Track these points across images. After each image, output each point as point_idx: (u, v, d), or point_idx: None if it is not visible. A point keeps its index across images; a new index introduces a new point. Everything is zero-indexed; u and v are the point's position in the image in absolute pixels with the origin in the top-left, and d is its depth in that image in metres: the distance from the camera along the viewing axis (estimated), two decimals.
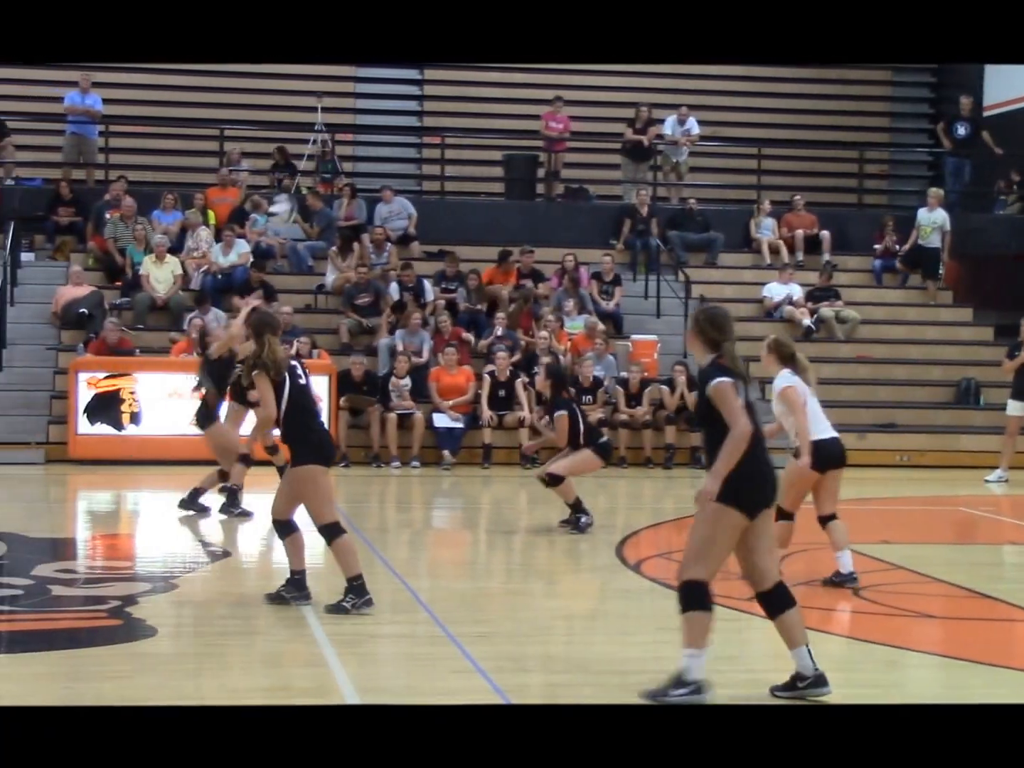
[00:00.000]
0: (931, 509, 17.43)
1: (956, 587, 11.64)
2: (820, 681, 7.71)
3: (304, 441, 9.85)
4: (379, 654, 8.97)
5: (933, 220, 24.70)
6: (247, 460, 14.57)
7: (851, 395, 22.52)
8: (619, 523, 15.72)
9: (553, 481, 13.90)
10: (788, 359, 11.10)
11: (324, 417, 19.43)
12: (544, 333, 21.15)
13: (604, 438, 14.75)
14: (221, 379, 14.16)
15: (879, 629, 10.02)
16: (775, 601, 7.80)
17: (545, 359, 19.80)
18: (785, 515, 11.35)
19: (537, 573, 12.53)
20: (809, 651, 7.78)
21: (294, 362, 10.15)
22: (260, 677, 8.10)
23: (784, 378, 11.02)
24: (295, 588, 10.07)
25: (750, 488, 7.50)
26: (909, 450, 21.57)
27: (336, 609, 9.70)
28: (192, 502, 14.59)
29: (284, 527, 10.10)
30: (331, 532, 9.78)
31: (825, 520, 11.56)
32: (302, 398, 9.98)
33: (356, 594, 9.74)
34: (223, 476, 14.44)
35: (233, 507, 14.50)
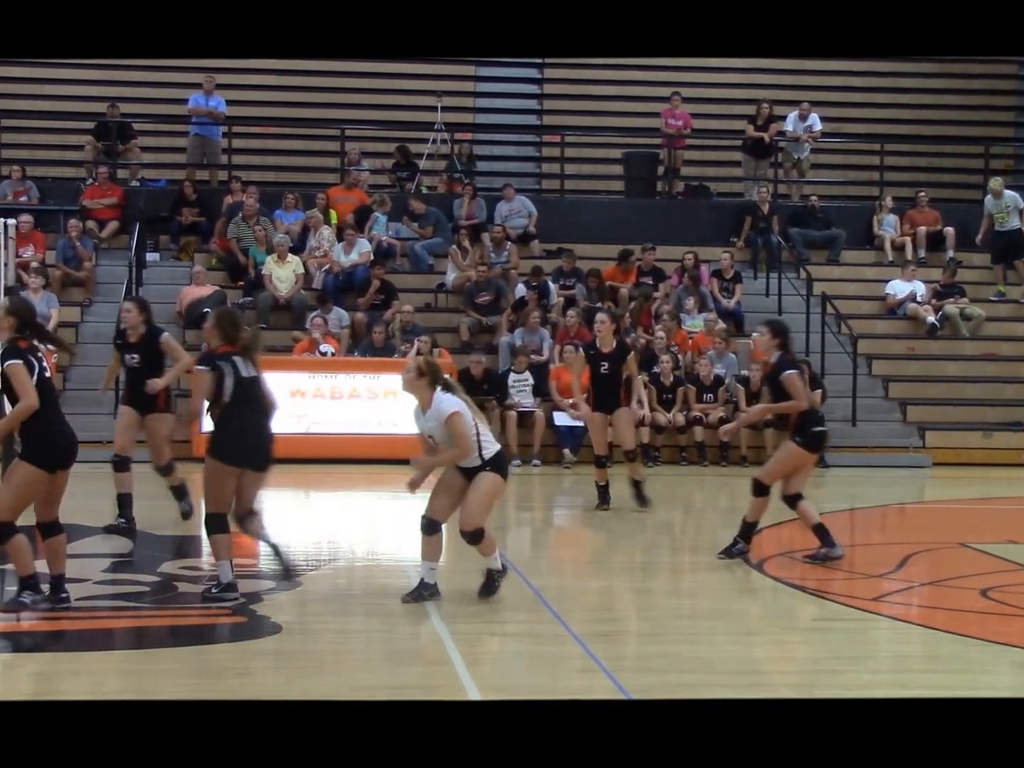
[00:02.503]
0: None
1: None
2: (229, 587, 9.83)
3: (37, 438, 9.41)
4: (502, 652, 8.97)
5: (1004, 204, 24.26)
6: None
7: (977, 393, 22.21)
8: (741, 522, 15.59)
9: (791, 501, 12.01)
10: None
11: None
12: (661, 334, 21.09)
13: (820, 426, 12.09)
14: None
15: (1007, 630, 9.84)
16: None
17: (665, 354, 19.75)
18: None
19: (659, 571, 12.46)
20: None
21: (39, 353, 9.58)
22: (384, 674, 8.13)
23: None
24: (31, 591, 9.64)
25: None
26: None
27: (15, 605, 9.60)
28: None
29: (3, 530, 9.45)
30: (3, 532, 9.42)
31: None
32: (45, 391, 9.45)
33: (33, 591, 9.63)
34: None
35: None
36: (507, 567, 10.51)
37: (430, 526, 10.04)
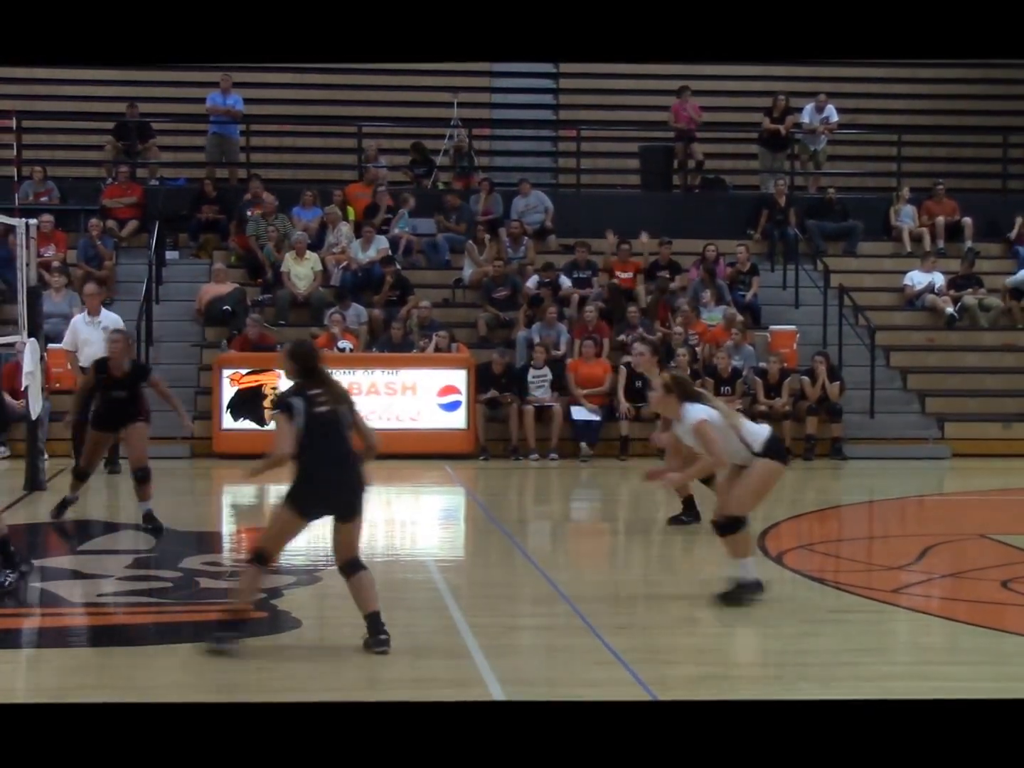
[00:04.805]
0: None
1: None
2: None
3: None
4: (521, 645, 9.01)
5: None
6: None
7: (996, 384, 22.17)
8: (759, 514, 15.59)
9: None
10: None
11: (463, 411, 19.79)
12: (679, 329, 21.10)
13: None
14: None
15: None
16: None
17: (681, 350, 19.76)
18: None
19: (676, 564, 12.51)
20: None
21: None
22: (405, 668, 8.18)
23: None
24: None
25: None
26: None
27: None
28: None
29: None
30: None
31: None
32: None
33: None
34: None
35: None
36: (762, 584, 10.00)
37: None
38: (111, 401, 13.22)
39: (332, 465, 8.48)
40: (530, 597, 10.46)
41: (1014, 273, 23.87)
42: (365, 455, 8.75)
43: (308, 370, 8.66)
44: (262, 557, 8.63)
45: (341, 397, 8.68)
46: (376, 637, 8.53)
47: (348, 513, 8.58)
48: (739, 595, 9.97)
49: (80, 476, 13.60)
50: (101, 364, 13.36)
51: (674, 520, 13.72)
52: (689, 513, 13.69)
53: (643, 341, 14.77)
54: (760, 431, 10.03)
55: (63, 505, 13.59)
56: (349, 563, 8.73)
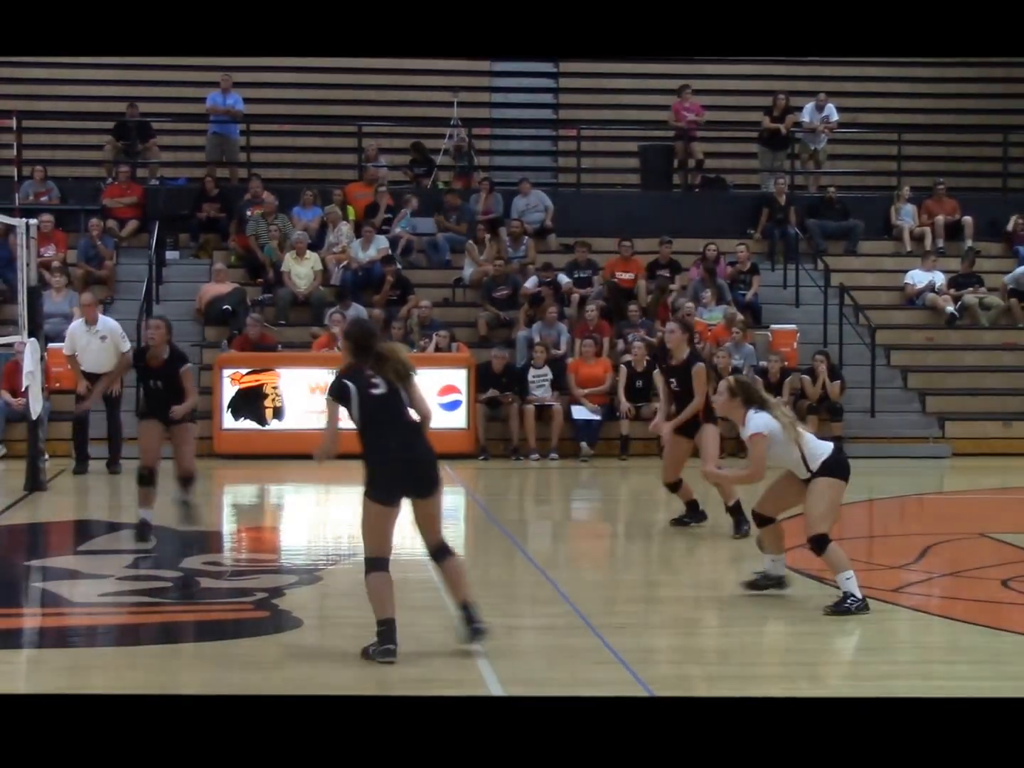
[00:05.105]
0: None
1: None
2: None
3: None
4: (522, 645, 9.01)
5: None
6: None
7: (996, 383, 22.18)
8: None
9: None
10: None
11: (463, 410, 19.78)
12: None
13: None
14: None
15: None
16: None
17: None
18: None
19: (676, 564, 12.50)
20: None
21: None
22: (406, 667, 8.17)
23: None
24: None
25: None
26: None
27: None
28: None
29: None
30: None
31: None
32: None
33: None
34: None
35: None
36: (867, 602, 9.69)
37: (759, 520, 10.15)
38: (150, 392, 12.73)
39: (394, 445, 8.35)
40: (530, 597, 10.46)
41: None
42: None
43: (364, 349, 8.52)
44: (372, 563, 8.49)
45: (399, 372, 8.51)
46: (472, 626, 8.51)
47: (426, 489, 8.48)
48: (763, 584, 10.17)
49: (145, 480, 12.55)
50: (140, 353, 13.06)
51: (677, 522, 13.71)
52: (692, 515, 13.66)
53: (677, 320, 14.93)
54: (821, 449, 9.78)
55: (142, 531, 12.54)
56: (438, 548, 8.67)
